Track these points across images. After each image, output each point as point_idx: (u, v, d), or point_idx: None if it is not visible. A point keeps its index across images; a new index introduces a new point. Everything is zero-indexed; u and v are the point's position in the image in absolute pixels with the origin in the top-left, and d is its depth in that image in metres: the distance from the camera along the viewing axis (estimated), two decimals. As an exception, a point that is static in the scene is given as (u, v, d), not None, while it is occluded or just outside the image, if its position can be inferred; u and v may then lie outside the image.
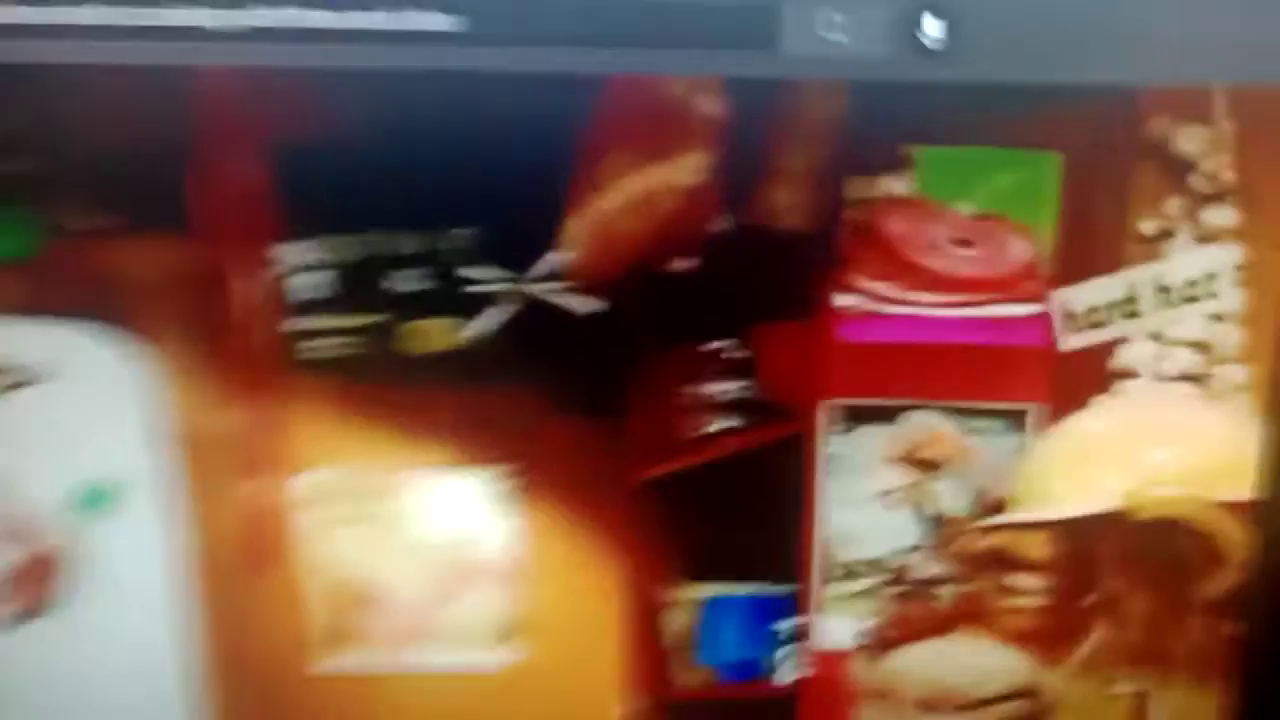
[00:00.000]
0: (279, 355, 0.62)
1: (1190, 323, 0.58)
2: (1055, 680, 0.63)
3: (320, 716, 0.67)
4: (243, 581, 0.66)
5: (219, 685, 0.66)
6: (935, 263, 0.58)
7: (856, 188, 0.57)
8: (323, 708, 0.67)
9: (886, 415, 0.61)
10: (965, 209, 0.58)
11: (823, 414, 0.61)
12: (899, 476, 0.62)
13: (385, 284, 0.61)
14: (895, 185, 0.57)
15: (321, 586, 0.65)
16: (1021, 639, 0.63)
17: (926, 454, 0.62)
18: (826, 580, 0.63)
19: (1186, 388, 0.59)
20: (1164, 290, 0.58)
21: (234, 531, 0.65)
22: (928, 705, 0.65)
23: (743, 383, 0.63)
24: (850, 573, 0.63)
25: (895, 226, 0.58)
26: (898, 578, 0.63)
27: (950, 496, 0.62)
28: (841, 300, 0.59)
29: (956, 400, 0.60)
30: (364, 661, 0.66)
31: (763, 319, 0.61)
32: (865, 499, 0.62)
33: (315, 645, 0.66)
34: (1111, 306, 0.59)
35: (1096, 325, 0.60)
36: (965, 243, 0.58)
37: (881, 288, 0.59)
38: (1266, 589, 0.60)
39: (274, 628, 0.66)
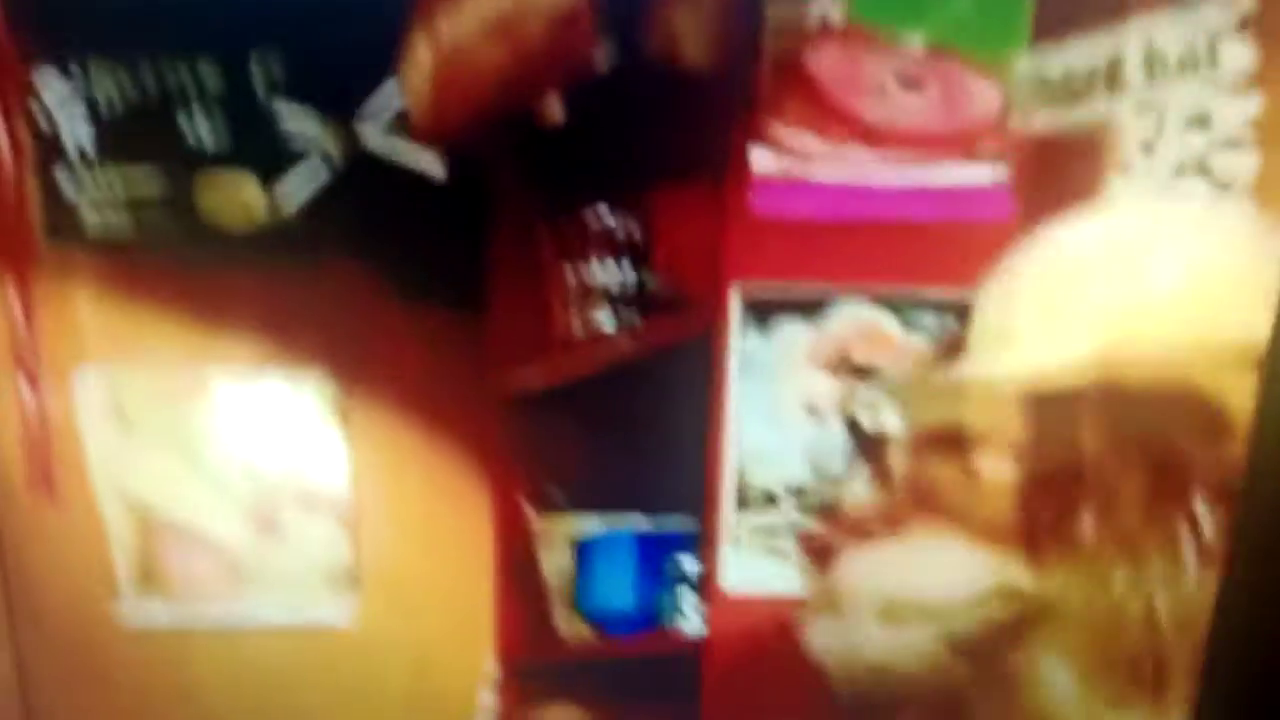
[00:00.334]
0: (45, 226, 0.49)
1: (1187, 94, 0.45)
2: (1039, 581, 0.51)
3: (133, 673, 0.55)
4: (30, 508, 0.53)
5: (19, 634, 0.53)
6: (875, 111, 0.46)
7: (777, 12, 0.44)
8: (135, 664, 0.55)
9: (811, 308, 0.48)
10: (914, 41, 0.45)
11: (733, 305, 0.48)
12: (826, 384, 0.49)
13: (176, 131, 0.47)
14: (827, 9, 0.44)
15: (119, 517, 0.52)
16: (991, 534, 0.51)
17: (860, 355, 0.49)
18: (738, 510, 0.51)
19: (1185, 184, 0.46)
20: (1156, 54, 0.45)
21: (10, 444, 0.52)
22: (890, 617, 0.53)
23: (633, 267, 0.50)
24: (768, 501, 0.51)
25: (825, 64, 0.45)
26: (826, 510, 0.51)
27: (890, 410, 0.50)
28: (757, 159, 0.46)
29: (898, 288, 0.48)
30: (173, 612, 0.54)
31: (658, 184, 0.48)
32: (785, 411, 0.50)
33: (121, 590, 0.54)
34: (1093, 75, 0.46)
35: (1074, 97, 0.47)
36: (913, 84, 0.45)
37: (807, 142, 0.46)
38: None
39: (54, 567, 0.54)
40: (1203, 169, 0.44)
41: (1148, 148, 0.45)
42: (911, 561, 0.51)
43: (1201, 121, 0.43)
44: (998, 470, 0.47)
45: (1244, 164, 0.43)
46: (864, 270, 0.47)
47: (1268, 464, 0.45)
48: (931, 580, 0.51)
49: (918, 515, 0.49)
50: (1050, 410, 0.46)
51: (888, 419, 0.50)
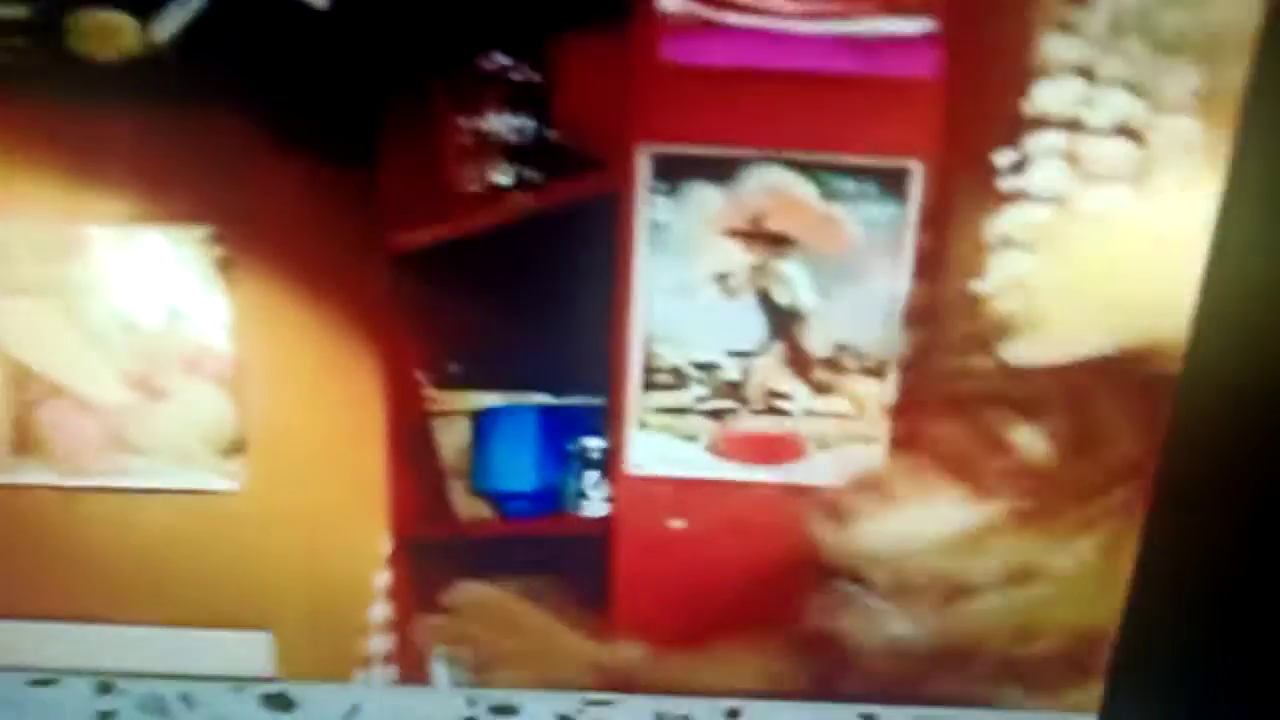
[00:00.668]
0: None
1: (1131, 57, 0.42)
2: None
3: (15, 534, 0.52)
4: None
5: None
6: None
7: None
8: (6, 529, 0.52)
9: (723, 171, 0.45)
10: None
11: (640, 165, 0.45)
12: (739, 254, 0.46)
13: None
14: None
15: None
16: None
17: (775, 224, 0.46)
18: (644, 388, 0.48)
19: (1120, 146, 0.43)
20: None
21: None
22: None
23: (533, 119, 0.46)
24: (676, 379, 0.48)
25: None
26: (736, 390, 0.48)
27: (805, 282, 0.47)
28: (666, 1, 0.43)
29: (816, 152, 0.44)
30: (52, 474, 0.51)
31: (559, 27, 0.44)
32: (695, 283, 0.47)
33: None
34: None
35: None
36: None
37: None
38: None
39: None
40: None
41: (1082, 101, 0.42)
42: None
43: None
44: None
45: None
46: (781, 131, 0.44)
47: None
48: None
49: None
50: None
51: (803, 294, 0.47)
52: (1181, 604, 0.51)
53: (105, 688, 0.53)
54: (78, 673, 0.53)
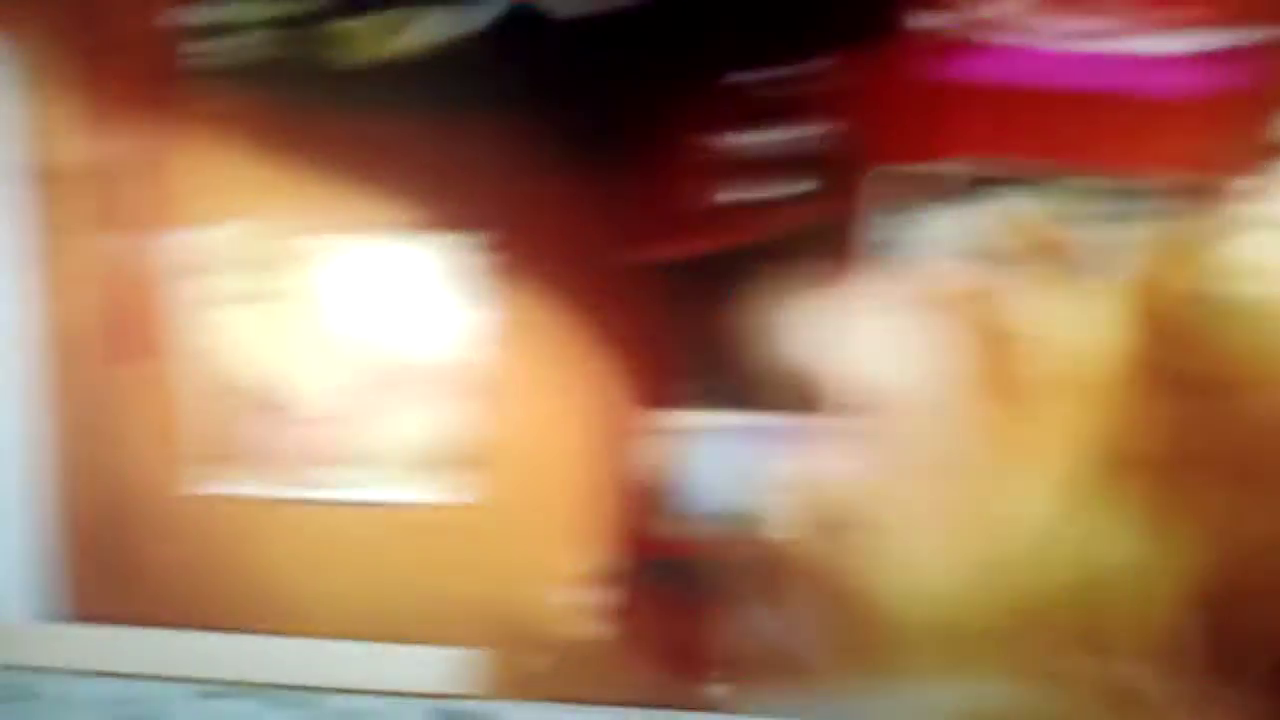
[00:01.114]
0: (176, 72, 0.45)
1: None
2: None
3: (202, 551, 0.52)
4: (104, 371, 0.50)
5: (71, 499, 0.50)
6: None
7: None
8: (207, 541, 0.52)
9: (969, 192, 0.45)
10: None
11: (872, 184, 0.45)
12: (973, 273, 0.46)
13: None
14: None
15: (209, 385, 0.49)
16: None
17: (1027, 240, 0.46)
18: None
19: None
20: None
21: (96, 305, 0.49)
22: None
23: (788, 133, 0.46)
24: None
25: None
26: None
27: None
28: (930, 20, 0.43)
29: (1081, 169, 0.44)
30: (263, 487, 0.51)
31: (821, 45, 0.44)
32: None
33: (197, 461, 0.51)
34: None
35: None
36: None
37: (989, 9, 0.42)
38: None
39: (142, 436, 0.50)
40: None
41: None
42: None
43: None
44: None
45: None
46: (1048, 148, 0.43)
47: None
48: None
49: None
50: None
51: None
52: None
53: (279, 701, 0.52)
54: (267, 685, 0.52)
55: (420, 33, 0.42)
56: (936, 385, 0.46)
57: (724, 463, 0.49)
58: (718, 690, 0.50)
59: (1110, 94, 0.44)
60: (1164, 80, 0.43)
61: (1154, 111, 0.44)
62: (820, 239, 0.46)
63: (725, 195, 0.45)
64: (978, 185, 0.45)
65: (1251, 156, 0.44)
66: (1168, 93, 0.43)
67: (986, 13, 0.43)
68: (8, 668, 0.49)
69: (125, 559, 0.49)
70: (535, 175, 0.44)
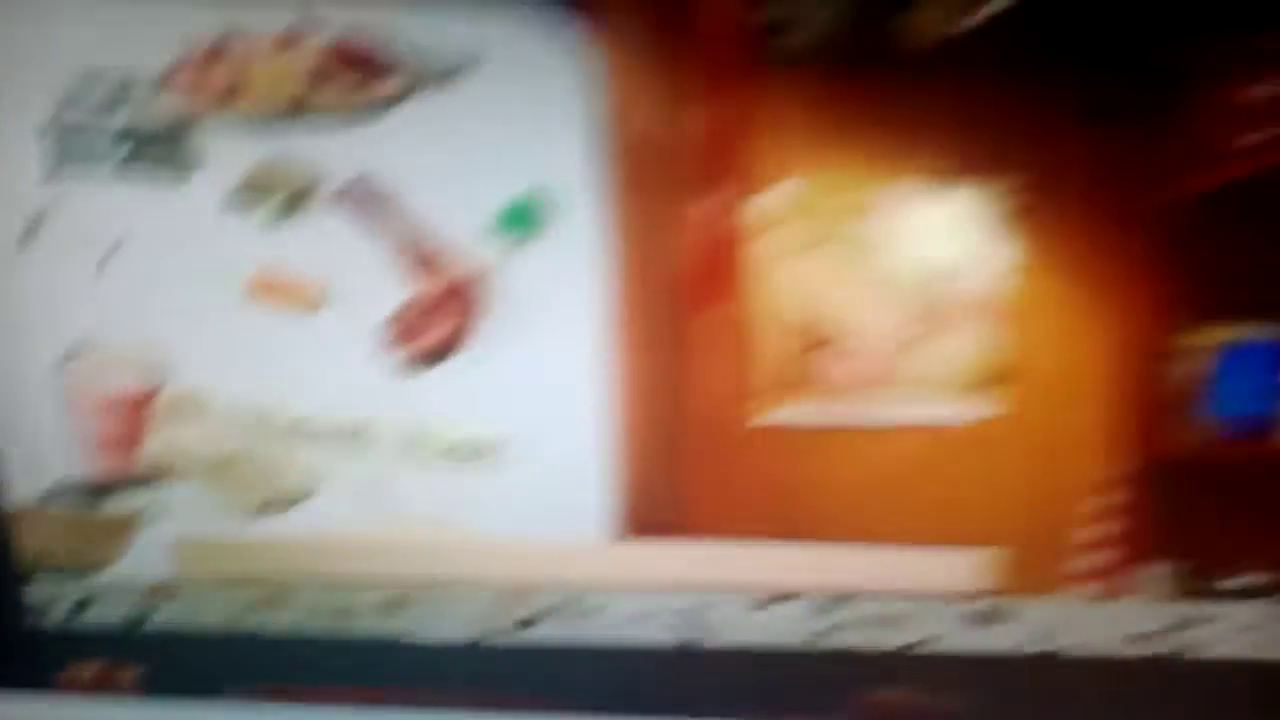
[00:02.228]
0: (748, 43, 0.51)
1: None
2: None
3: (760, 472, 0.59)
4: (681, 319, 0.57)
5: (644, 436, 0.58)
6: None
7: None
8: (764, 463, 0.59)
9: None
10: None
11: None
12: None
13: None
14: None
15: (773, 325, 0.56)
16: None
17: None
18: None
19: None
20: None
21: (675, 260, 0.56)
22: None
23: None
24: None
25: None
26: None
27: None
28: None
29: None
30: (816, 413, 0.58)
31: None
32: None
33: (760, 393, 0.58)
34: None
35: None
36: None
37: None
38: None
39: (712, 373, 0.57)
40: None
41: None
42: None
43: None
44: None
45: None
46: None
47: None
48: None
49: None
50: None
51: None
52: None
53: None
54: (813, 591, 0.59)
55: (979, 11, 0.48)
56: None
57: (1251, 373, 0.55)
58: (1235, 585, 0.56)
59: None
60: None
61: None
62: None
63: (1246, 137, 0.50)
64: None
65: None
66: None
67: None
68: (573, 587, 0.57)
69: (690, 480, 0.57)
70: (1063, 127, 0.49)
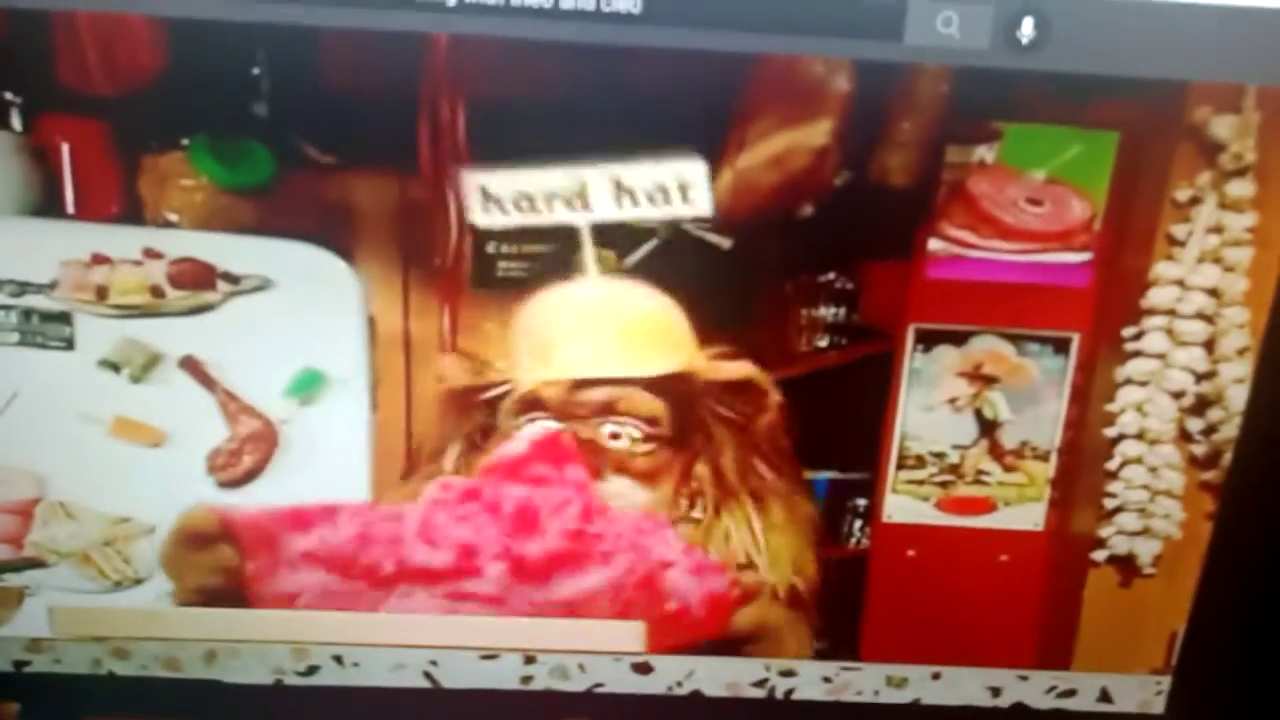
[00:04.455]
0: (469, 275, 0.75)
1: (1208, 274, 0.73)
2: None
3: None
4: (413, 469, 0.80)
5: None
6: (1010, 217, 0.73)
7: (954, 154, 0.71)
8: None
9: (959, 338, 0.76)
10: (1039, 175, 0.72)
11: (908, 336, 0.76)
12: (965, 386, 0.77)
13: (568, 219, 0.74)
14: (985, 154, 0.71)
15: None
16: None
17: (987, 369, 0.77)
18: (897, 469, 0.79)
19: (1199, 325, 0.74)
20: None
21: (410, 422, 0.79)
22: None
23: (845, 310, 0.77)
24: (918, 462, 0.79)
25: (981, 187, 0.72)
26: (956, 469, 0.79)
27: (1003, 404, 0.78)
28: (932, 245, 0.74)
29: (1017, 328, 0.75)
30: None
31: (867, 257, 0.75)
32: (935, 404, 0.78)
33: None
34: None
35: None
36: (1036, 202, 0.72)
37: (966, 235, 0.74)
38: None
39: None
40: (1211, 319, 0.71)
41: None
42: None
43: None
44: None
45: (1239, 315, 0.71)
46: (996, 314, 0.75)
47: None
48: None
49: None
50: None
51: (1001, 411, 0.78)
52: (1252, 605, 0.78)
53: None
54: None
55: (631, 257, 0.73)
56: None
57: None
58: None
59: (1042, 284, 0.75)
60: (1073, 276, 0.74)
61: (1067, 293, 0.75)
62: (874, 366, 0.77)
63: (813, 343, 0.76)
64: (966, 334, 0.76)
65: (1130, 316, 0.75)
66: (1075, 283, 0.74)
67: (967, 241, 0.74)
68: (347, 643, 0.79)
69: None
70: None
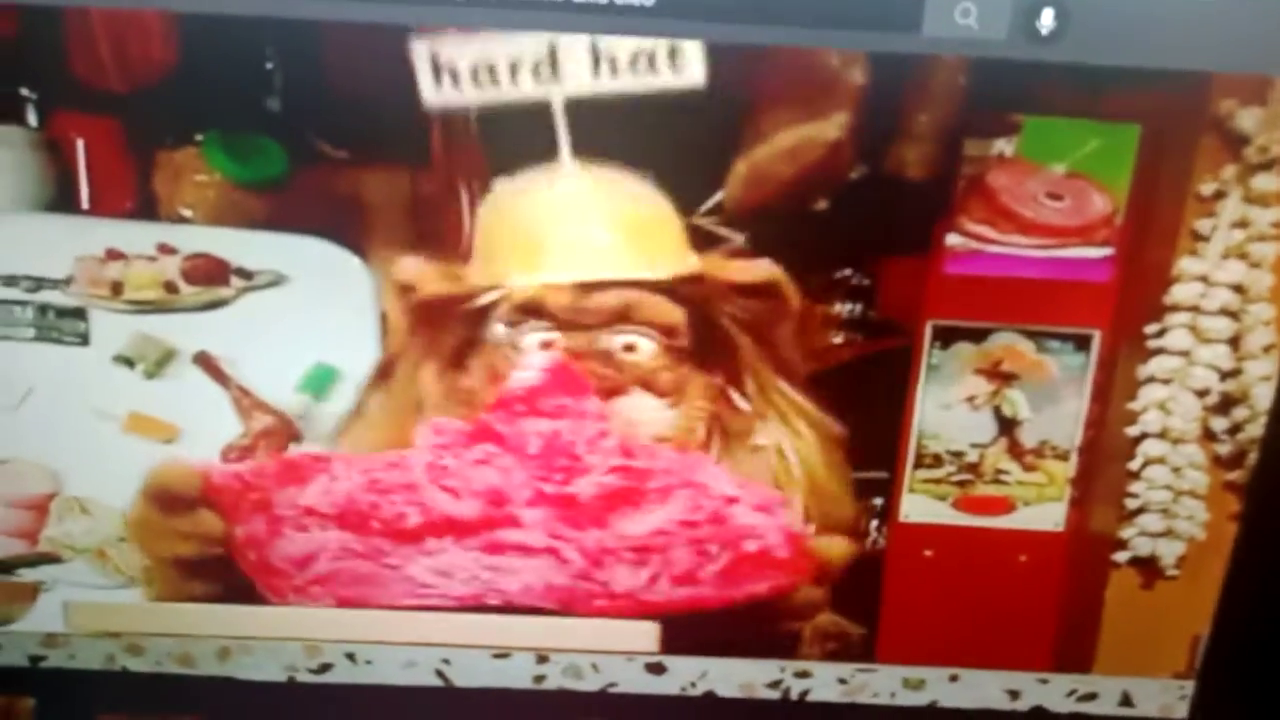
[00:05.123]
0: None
1: (1232, 269, 0.72)
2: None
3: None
4: None
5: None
6: (1030, 211, 0.72)
7: (972, 148, 0.70)
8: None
9: (978, 334, 0.75)
10: (1058, 169, 0.71)
11: (926, 332, 0.75)
12: (983, 384, 0.76)
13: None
14: (1004, 147, 0.70)
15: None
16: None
17: (1007, 367, 0.76)
18: (914, 468, 0.78)
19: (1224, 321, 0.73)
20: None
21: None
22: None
23: (862, 307, 0.76)
24: (935, 461, 0.78)
25: (1000, 180, 0.71)
26: (974, 468, 0.78)
27: (1023, 402, 0.76)
28: (950, 240, 0.73)
29: (1036, 324, 0.74)
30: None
31: (884, 253, 0.75)
32: (954, 402, 0.76)
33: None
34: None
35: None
36: (1056, 196, 0.71)
37: (984, 230, 0.72)
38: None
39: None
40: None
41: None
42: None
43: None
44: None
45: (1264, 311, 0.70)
46: (1014, 312, 0.73)
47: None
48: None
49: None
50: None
51: (1020, 409, 0.76)
52: (1277, 607, 0.76)
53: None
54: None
55: None
56: None
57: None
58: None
59: (1062, 279, 0.73)
60: (1095, 271, 0.73)
61: (1088, 289, 0.74)
62: (891, 362, 0.75)
63: (832, 339, 0.75)
64: (985, 330, 0.75)
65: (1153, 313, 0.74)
66: (1097, 279, 0.73)
67: (986, 236, 0.73)
68: (359, 641, 0.79)
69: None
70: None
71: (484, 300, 0.71)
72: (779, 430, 0.75)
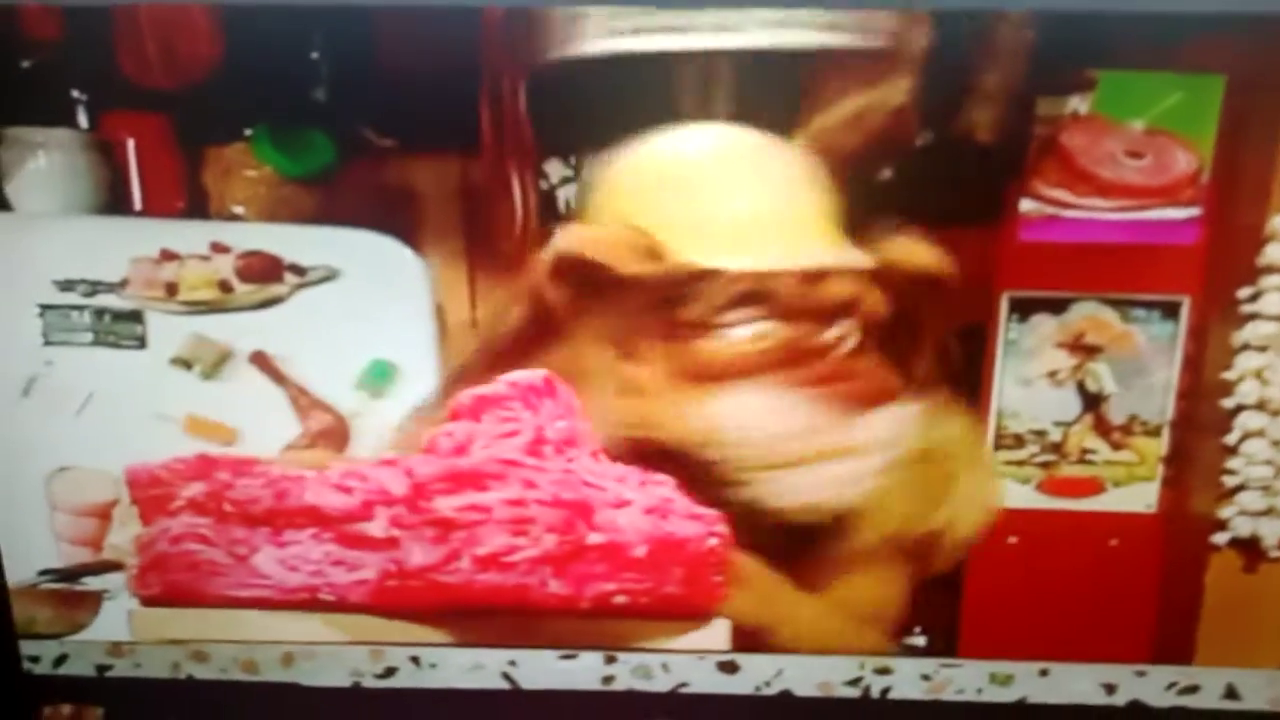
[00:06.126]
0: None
1: None
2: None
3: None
4: None
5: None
6: (1108, 172, 0.68)
7: (1045, 106, 0.66)
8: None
9: (1057, 306, 0.71)
10: (1138, 125, 0.67)
11: (1002, 305, 0.71)
12: (1064, 359, 0.72)
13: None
14: (1079, 104, 0.66)
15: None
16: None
17: (1090, 339, 0.72)
18: (995, 448, 0.74)
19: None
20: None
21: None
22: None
23: (935, 277, 0.73)
24: (1017, 441, 0.74)
25: (1076, 140, 0.67)
26: (1058, 448, 0.74)
27: (1108, 376, 0.72)
28: (1024, 205, 0.69)
29: (1120, 292, 0.70)
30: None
31: (956, 222, 0.71)
32: (1034, 378, 0.73)
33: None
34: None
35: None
36: (1136, 155, 0.67)
37: (1060, 194, 0.69)
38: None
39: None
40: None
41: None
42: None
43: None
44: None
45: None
46: (1096, 280, 0.70)
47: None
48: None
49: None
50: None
51: (1107, 384, 0.72)
52: None
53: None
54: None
55: None
56: None
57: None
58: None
59: (1148, 243, 0.69)
60: (1184, 233, 0.69)
61: (1177, 252, 0.69)
62: (969, 337, 0.72)
63: None
64: (1066, 301, 0.71)
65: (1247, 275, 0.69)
66: (1186, 241, 0.69)
67: (1063, 200, 0.69)
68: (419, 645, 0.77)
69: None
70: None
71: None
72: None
